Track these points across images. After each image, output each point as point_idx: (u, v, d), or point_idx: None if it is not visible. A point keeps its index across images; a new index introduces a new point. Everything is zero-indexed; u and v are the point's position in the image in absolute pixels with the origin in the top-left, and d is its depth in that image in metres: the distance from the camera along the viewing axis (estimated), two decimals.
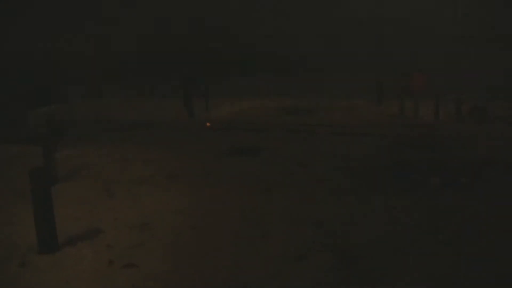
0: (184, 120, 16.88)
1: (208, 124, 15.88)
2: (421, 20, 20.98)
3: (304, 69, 22.77)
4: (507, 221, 6.49)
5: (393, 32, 21.30)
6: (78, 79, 24.12)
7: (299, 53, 23.09)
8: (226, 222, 6.75)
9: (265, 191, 8.19)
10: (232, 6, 23.81)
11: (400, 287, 4.82)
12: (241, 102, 20.95)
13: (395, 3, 21.54)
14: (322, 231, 6.34)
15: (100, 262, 5.52)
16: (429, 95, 15.87)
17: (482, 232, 6.14)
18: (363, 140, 12.66)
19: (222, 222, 6.74)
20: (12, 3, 23.27)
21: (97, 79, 24.50)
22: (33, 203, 5.65)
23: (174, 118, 16.95)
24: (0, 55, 20.84)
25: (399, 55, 20.71)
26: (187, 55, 23.65)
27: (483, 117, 14.92)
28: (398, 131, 13.66)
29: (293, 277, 5.04)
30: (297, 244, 5.90)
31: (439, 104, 15.29)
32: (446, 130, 13.59)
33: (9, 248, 5.95)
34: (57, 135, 11.91)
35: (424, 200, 7.52)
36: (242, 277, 5.06)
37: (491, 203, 7.28)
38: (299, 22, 23.05)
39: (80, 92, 22.51)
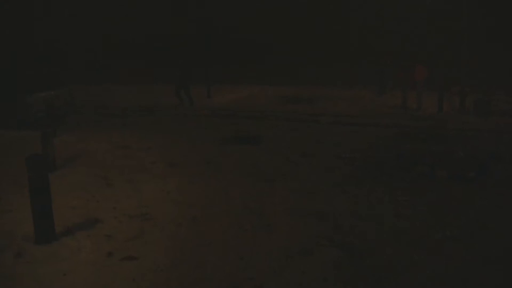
0: (184, 107, 16.62)
1: (204, 111, 15.67)
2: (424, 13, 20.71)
3: (305, 58, 22.47)
4: None
5: (397, 24, 21.00)
6: (79, 63, 23.94)
7: (300, 42, 22.79)
8: (228, 213, 6.58)
9: (268, 181, 8.02)
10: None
11: (408, 286, 4.67)
12: (241, 89, 20.72)
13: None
14: (327, 224, 6.17)
15: (99, 253, 5.36)
16: (431, 86, 15.66)
17: (491, 228, 5.99)
18: (366, 130, 12.49)
19: (224, 213, 6.56)
20: None
21: (98, 62, 24.31)
22: (30, 191, 5.47)
23: (175, 105, 16.70)
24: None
25: (403, 46, 20.45)
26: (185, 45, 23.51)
27: (486, 110, 14.72)
28: (401, 122, 13.46)
29: (298, 273, 4.88)
30: (302, 237, 5.75)
31: (443, 96, 15.09)
32: (450, 122, 13.40)
33: (5, 237, 5.77)
34: (56, 120, 11.75)
35: (430, 193, 7.36)
36: (245, 272, 4.90)
37: (499, 197, 7.13)
38: (300, 12, 22.74)
39: (81, 76, 22.26)
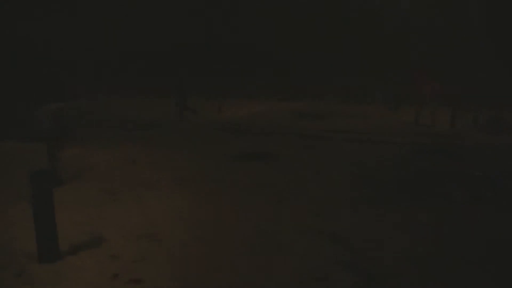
0: (194, 121, 16.46)
1: (217, 126, 15.47)
2: (438, 25, 20.54)
3: (315, 72, 22.33)
4: None
5: (412, 36, 20.85)
6: (86, 77, 23.95)
7: (308, 56, 22.67)
8: (239, 234, 6.30)
9: (280, 200, 7.74)
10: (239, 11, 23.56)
11: None
12: (253, 104, 20.57)
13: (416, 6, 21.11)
14: (342, 247, 5.88)
15: (104, 275, 5.11)
16: (444, 103, 15.43)
17: None
18: (380, 147, 12.20)
19: (234, 234, 6.29)
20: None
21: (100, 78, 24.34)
22: (34, 208, 5.24)
23: (183, 119, 16.55)
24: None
25: (415, 60, 20.26)
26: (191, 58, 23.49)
27: (500, 127, 14.45)
28: (415, 139, 13.19)
29: None
30: (316, 262, 5.46)
31: (455, 113, 14.86)
32: (464, 140, 13.11)
33: (6, 254, 5.53)
34: (64, 133, 11.56)
35: (447, 215, 7.06)
36: None
37: None
38: (307, 23, 22.64)
39: (88, 89, 22.26)
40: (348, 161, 10.54)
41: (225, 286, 4.88)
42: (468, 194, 7.95)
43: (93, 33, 24.78)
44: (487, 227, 6.55)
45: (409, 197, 7.95)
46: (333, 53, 21.92)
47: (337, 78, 21.47)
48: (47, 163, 8.44)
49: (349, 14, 22.10)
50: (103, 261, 5.44)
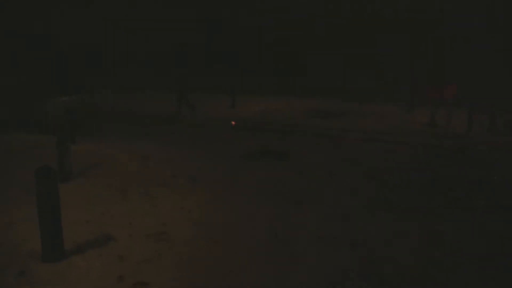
0: (205, 116, 16.23)
1: (233, 122, 15.21)
2: (456, 27, 20.13)
3: (332, 69, 22.03)
4: None
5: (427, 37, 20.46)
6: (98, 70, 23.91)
7: (325, 53, 22.38)
8: (251, 237, 6.03)
9: (295, 202, 7.45)
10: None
11: None
12: (266, 101, 20.30)
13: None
14: (358, 255, 5.58)
15: (109, 277, 4.88)
16: (461, 104, 15.05)
17: None
18: (395, 148, 11.82)
19: (247, 238, 6.01)
20: None
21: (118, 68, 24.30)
22: (38, 206, 5.03)
23: (197, 115, 16.32)
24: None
25: (432, 61, 19.88)
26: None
27: None
28: (431, 141, 12.81)
29: None
30: (331, 269, 5.17)
31: (472, 115, 14.47)
32: (481, 143, 12.71)
33: (9, 253, 5.35)
34: (76, 126, 11.41)
35: (469, 223, 6.69)
36: None
37: None
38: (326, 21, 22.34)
39: (99, 82, 22.17)
40: (363, 162, 10.22)
41: None
42: (489, 201, 7.61)
43: (104, 29, 24.74)
44: (510, 239, 6.22)
45: (427, 203, 7.60)
46: (349, 52, 21.59)
47: (353, 76, 21.15)
48: (56, 157, 8.24)
49: (364, 13, 21.74)
50: (109, 262, 5.22)
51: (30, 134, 11.74)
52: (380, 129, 14.51)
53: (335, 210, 7.16)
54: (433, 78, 16.94)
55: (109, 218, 6.55)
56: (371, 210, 7.16)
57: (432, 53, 20.41)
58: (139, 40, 24.99)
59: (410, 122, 15.86)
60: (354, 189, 8.27)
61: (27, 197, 6.95)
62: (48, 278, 4.83)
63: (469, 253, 5.69)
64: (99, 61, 24.67)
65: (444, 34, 20.29)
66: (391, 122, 15.98)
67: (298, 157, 10.70)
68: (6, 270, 4.94)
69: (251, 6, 23.43)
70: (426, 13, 20.74)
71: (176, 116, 16.13)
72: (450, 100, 15.15)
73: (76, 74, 20.52)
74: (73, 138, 10.58)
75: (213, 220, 6.61)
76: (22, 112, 12.11)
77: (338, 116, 17.07)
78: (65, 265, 5.11)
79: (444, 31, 20.28)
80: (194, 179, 8.63)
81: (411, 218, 6.86)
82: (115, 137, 12.41)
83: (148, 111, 17.42)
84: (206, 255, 5.48)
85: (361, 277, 5.01)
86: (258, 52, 23.15)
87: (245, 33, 22.92)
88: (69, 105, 9.13)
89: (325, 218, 6.80)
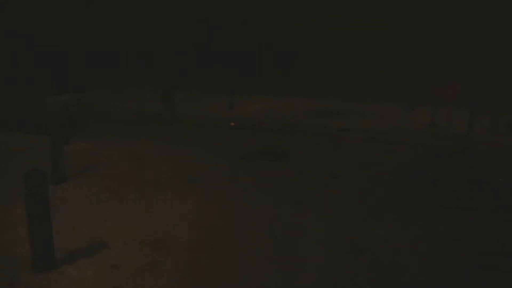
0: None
1: (232, 123, 14.94)
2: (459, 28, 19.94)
3: (332, 69, 21.83)
4: None
5: (430, 37, 20.27)
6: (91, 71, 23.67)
7: (325, 53, 22.18)
8: (252, 242, 5.77)
9: (296, 204, 7.19)
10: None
11: None
12: (266, 101, 20.04)
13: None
14: (362, 259, 5.34)
15: (102, 287, 4.61)
16: (461, 104, 14.84)
17: None
18: (396, 149, 11.60)
19: (248, 243, 5.75)
20: None
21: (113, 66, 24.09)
22: (27, 212, 4.75)
23: (200, 114, 16.06)
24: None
25: (433, 62, 19.70)
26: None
27: None
28: (432, 141, 12.60)
29: None
30: (335, 275, 4.92)
31: (473, 115, 14.28)
32: (482, 143, 12.51)
33: None
34: (72, 126, 11.14)
35: (474, 225, 6.47)
36: None
37: None
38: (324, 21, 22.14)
39: (97, 80, 21.91)
40: (365, 163, 10.00)
41: None
42: (492, 202, 7.40)
43: (102, 28, 24.52)
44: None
45: (428, 203, 7.40)
46: (349, 52, 21.40)
47: (353, 76, 20.96)
48: (50, 157, 7.96)
49: (366, 13, 21.54)
50: (102, 272, 4.94)
51: (27, 133, 11.48)
52: (381, 129, 14.30)
53: (337, 212, 6.92)
54: (433, 78, 16.72)
55: (103, 223, 6.27)
56: (375, 213, 6.95)
57: (433, 53, 20.23)
58: (139, 40, 24.73)
59: (411, 122, 15.70)
60: (357, 190, 8.05)
61: (20, 200, 6.65)
62: None
63: (469, 253, 5.54)
64: (98, 60, 24.41)
65: (445, 34, 20.10)
66: (392, 122, 15.80)
67: (298, 157, 10.46)
68: None
69: (251, 6, 23.18)
70: (426, 13, 20.55)
71: (165, 115, 15.83)
72: (451, 100, 14.93)
73: (75, 74, 20.32)
74: (68, 138, 10.30)
75: (212, 224, 6.33)
76: (20, 112, 11.86)
77: (338, 116, 16.86)
78: (56, 275, 4.83)
79: (445, 31, 20.09)
80: (191, 181, 8.35)
81: (411, 218, 6.72)
82: (113, 137, 12.13)
83: (148, 110, 17.12)
84: (205, 262, 5.21)
85: (368, 283, 4.78)
86: (258, 52, 22.89)
87: (245, 33, 22.67)
88: (67, 104, 8.86)
89: (327, 221, 6.55)
